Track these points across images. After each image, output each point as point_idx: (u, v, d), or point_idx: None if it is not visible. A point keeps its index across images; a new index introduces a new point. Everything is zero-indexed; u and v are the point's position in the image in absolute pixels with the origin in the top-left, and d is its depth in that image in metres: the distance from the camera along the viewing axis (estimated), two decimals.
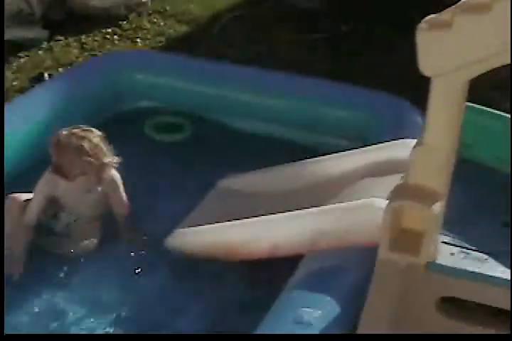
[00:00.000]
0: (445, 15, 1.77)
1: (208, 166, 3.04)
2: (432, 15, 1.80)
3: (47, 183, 2.62)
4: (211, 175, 2.94)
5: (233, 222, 2.45)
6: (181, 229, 2.55)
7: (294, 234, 2.37)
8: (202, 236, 2.50)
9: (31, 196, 2.65)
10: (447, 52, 1.76)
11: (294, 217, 2.38)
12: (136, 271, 2.53)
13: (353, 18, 4.62)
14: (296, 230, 2.37)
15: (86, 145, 2.52)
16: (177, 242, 2.53)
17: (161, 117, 3.38)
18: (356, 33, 4.46)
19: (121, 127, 3.18)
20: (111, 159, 2.59)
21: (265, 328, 2.01)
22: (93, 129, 2.59)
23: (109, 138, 2.96)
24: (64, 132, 2.56)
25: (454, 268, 2.19)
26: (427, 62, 1.80)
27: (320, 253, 2.32)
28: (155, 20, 4.59)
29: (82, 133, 2.54)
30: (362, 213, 2.28)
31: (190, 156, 3.12)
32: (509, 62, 1.75)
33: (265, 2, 4.88)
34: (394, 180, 2.36)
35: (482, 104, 2.42)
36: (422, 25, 1.80)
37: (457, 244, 2.32)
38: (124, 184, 2.67)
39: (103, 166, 2.58)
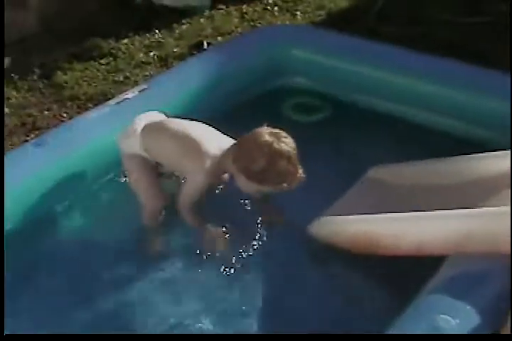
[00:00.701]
0: None
1: (348, 151, 2.97)
2: None
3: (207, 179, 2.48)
4: (351, 161, 2.88)
5: (380, 215, 2.40)
6: (326, 217, 2.52)
7: (442, 234, 2.29)
8: (347, 226, 2.46)
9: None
10: None
11: (443, 216, 2.29)
12: (274, 254, 2.53)
13: None
14: (444, 230, 2.29)
15: (293, 154, 2.34)
16: (321, 230, 2.51)
17: (299, 97, 3.32)
18: None
19: (264, 102, 3.18)
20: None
21: (397, 331, 1.97)
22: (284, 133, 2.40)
23: (251, 114, 2.94)
24: (270, 138, 2.33)
25: None
26: None
27: (465, 257, 2.23)
28: None
29: (289, 141, 2.35)
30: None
31: (327, 139, 3.05)
32: None
33: None
34: None
35: None
36: None
37: None
38: None
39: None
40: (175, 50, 3.96)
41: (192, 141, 2.46)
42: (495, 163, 2.60)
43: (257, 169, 2.34)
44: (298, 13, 4.34)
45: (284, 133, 2.36)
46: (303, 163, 2.55)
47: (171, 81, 3.13)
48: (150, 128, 2.57)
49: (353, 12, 4.38)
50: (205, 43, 3.97)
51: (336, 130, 3.13)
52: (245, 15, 4.31)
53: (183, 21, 4.24)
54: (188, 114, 3.02)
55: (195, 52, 3.87)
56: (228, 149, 2.44)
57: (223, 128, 2.58)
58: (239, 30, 4.16)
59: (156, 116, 2.65)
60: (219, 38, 4.07)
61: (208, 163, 2.42)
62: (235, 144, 2.44)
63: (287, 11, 4.37)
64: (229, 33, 4.12)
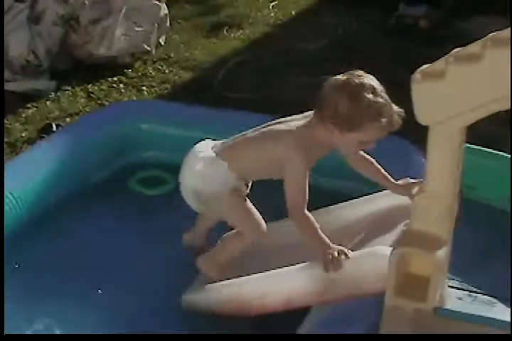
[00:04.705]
0: (438, 65, 1.80)
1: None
2: (425, 66, 1.84)
3: None
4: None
5: (245, 278, 2.46)
6: (197, 286, 2.55)
7: (305, 286, 2.37)
8: (217, 292, 2.49)
9: None
10: (442, 102, 1.79)
11: (302, 269, 2.38)
12: None
13: (357, 59, 4.68)
14: (305, 282, 2.37)
15: (378, 87, 2.25)
16: (193, 299, 2.52)
17: (147, 171, 3.33)
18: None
19: (116, 178, 3.22)
20: None
21: None
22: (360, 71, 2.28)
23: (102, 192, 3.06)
24: (344, 77, 2.24)
25: (462, 313, 2.19)
26: (423, 111, 1.84)
27: (326, 306, 2.32)
28: (160, 67, 4.67)
29: (369, 76, 2.26)
30: (367, 262, 2.28)
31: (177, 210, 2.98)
32: (503, 109, 1.77)
33: (268, 46, 4.97)
34: (400, 227, 2.39)
35: None
36: (416, 75, 1.84)
37: (464, 287, 2.32)
38: None
39: None
40: (23, 135, 3.91)
41: (268, 131, 2.36)
42: (354, 209, 2.71)
43: (345, 112, 2.16)
44: (144, 88, 4.43)
45: (360, 71, 2.24)
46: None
47: (21, 167, 3.08)
48: (228, 150, 2.42)
49: (200, 82, 4.51)
50: (53, 126, 3.95)
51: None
52: (92, 95, 4.33)
53: (29, 105, 4.20)
54: (43, 195, 3.00)
55: (44, 136, 3.84)
56: (310, 116, 2.30)
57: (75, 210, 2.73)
58: (87, 109, 4.17)
59: (212, 143, 2.52)
60: (67, 119, 4.07)
61: (294, 136, 2.27)
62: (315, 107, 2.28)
63: (133, 87, 4.44)
64: (77, 114, 4.12)
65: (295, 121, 2.39)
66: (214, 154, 2.43)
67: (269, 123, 2.47)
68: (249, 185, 2.54)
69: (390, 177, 2.49)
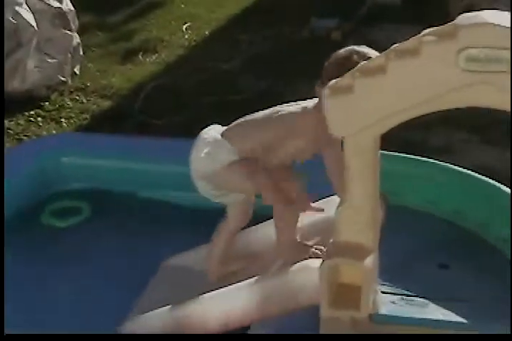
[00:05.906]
0: (346, 79, 1.85)
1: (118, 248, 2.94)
2: (334, 81, 1.89)
3: None
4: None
5: (184, 302, 2.45)
6: (135, 315, 2.52)
7: (242, 304, 2.37)
8: (156, 320, 2.47)
9: None
10: (352, 115, 1.85)
11: (238, 288, 2.39)
12: None
13: (273, 74, 4.76)
14: (243, 301, 2.37)
15: None
16: (133, 328, 2.48)
17: (58, 203, 3.27)
18: (276, 90, 4.57)
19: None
20: None
21: None
22: None
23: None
24: (351, 47, 2.24)
25: (397, 317, 2.24)
26: (335, 124, 1.89)
27: (264, 321, 2.35)
28: (77, 97, 4.63)
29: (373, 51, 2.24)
30: (302, 275, 2.30)
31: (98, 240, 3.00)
32: (411, 118, 1.84)
33: (185, 68, 5.00)
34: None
35: None
36: (326, 90, 1.88)
37: (397, 292, 2.38)
38: None
39: None
40: None
41: (280, 114, 2.36)
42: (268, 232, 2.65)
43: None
44: (62, 120, 4.38)
45: (365, 48, 2.25)
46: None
47: None
48: (235, 131, 2.43)
49: (118, 109, 4.50)
50: None
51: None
52: (9, 130, 4.24)
53: None
54: None
55: None
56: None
57: None
58: (7, 145, 4.11)
59: (219, 128, 2.50)
60: None
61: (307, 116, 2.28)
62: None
63: (51, 119, 4.39)
64: None
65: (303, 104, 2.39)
66: (219, 136, 2.43)
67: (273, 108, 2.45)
68: None
69: None
